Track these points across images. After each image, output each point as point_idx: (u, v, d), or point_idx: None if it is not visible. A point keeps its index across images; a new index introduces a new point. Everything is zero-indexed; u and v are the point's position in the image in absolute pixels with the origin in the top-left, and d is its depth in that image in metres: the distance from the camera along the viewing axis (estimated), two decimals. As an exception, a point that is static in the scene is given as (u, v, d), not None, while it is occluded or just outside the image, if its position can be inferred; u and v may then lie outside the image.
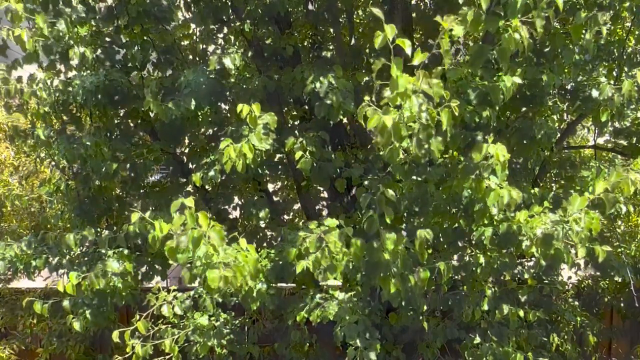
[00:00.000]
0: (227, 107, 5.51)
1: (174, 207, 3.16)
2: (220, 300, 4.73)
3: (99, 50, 4.91)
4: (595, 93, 4.45)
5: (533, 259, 4.79)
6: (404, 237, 3.59)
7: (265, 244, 5.63)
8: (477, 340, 5.03)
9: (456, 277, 4.93)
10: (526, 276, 5.23)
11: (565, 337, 5.77)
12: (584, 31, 4.01)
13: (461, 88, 3.93)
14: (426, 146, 3.07)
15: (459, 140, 4.14)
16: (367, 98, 2.95)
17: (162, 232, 3.27)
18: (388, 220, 3.39)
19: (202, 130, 5.63)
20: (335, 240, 3.57)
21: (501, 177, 3.63)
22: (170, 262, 4.82)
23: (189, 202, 3.18)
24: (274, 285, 4.48)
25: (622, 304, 6.62)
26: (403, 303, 4.19)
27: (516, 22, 3.23)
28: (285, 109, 5.72)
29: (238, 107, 3.94)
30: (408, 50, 2.79)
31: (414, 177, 4.16)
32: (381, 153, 3.21)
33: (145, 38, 4.81)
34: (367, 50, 5.67)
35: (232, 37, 5.64)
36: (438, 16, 2.86)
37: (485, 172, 3.59)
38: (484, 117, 3.95)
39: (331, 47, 6.01)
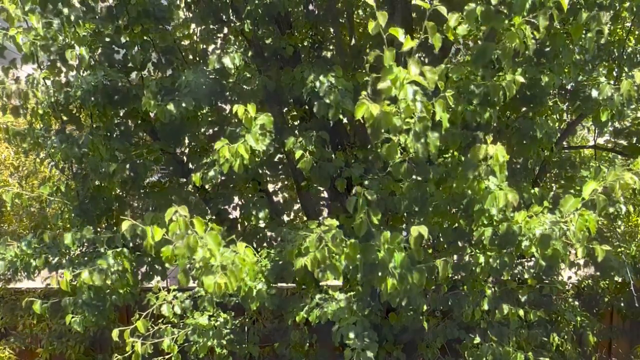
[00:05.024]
0: (227, 107, 5.50)
1: (168, 215, 3.18)
2: (220, 300, 4.73)
3: (99, 50, 4.91)
4: (595, 93, 4.46)
5: (533, 259, 4.79)
6: (400, 235, 3.57)
7: (265, 244, 5.62)
8: (477, 340, 5.03)
9: (456, 277, 4.93)
10: (526, 276, 5.22)
11: (565, 337, 5.77)
12: (584, 31, 4.01)
13: (463, 87, 3.92)
14: (423, 140, 3.07)
15: (459, 139, 4.14)
16: (364, 93, 2.95)
17: (154, 239, 3.27)
18: (375, 221, 3.36)
19: (202, 130, 5.62)
20: (335, 239, 3.55)
21: (500, 178, 3.62)
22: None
23: (183, 210, 3.19)
24: (274, 285, 4.48)
25: (622, 304, 6.61)
26: (403, 303, 4.19)
27: (519, 20, 3.23)
28: (285, 109, 5.72)
29: (234, 108, 3.93)
30: (401, 38, 2.79)
31: (414, 177, 4.16)
32: (379, 151, 3.20)
33: (145, 38, 4.80)
34: (367, 50, 5.67)
35: (232, 37, 5.64)
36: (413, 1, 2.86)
37: (484, 173, 3.58)
38: (485, 117, 3.95)
39: (331, 47, 6.01)
